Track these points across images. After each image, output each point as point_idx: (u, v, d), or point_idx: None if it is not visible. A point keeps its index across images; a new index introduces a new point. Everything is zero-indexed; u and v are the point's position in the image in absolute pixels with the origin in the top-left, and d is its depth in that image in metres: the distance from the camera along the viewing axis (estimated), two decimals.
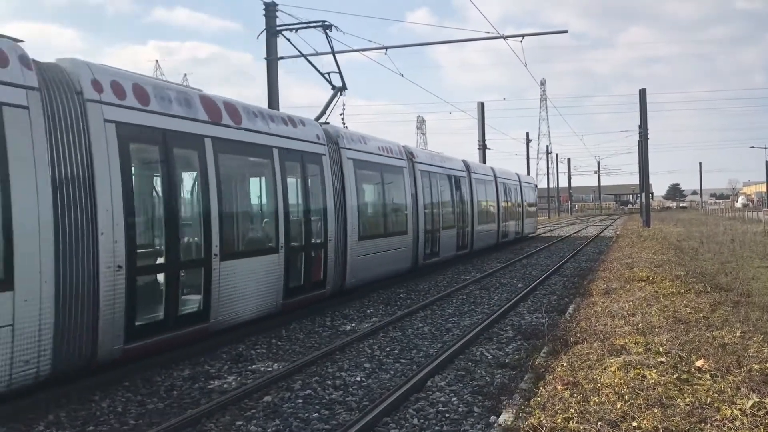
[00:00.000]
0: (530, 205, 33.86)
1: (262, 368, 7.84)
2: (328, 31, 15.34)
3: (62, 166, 6.54)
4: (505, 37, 19.91)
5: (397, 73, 21.52)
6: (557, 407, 5.49)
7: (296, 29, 15.72)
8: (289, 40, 15.80)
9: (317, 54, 18.43)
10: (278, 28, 15.88)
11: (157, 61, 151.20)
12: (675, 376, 6.10)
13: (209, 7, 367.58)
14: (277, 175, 10.17)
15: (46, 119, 6.42)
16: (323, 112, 14.88)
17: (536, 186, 38.97)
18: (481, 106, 40.72)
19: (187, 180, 8.72)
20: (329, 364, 7.90)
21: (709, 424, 4.98)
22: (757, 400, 5.32)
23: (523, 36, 20.08)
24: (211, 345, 8.71)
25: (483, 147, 39.34)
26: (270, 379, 7.15)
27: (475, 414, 6.09)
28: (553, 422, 5.14)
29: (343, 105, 15.35)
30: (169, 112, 8.05)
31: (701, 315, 9.08)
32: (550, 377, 6.52)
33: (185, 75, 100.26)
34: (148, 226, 8.18)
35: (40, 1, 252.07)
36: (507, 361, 8.01)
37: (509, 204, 28.33)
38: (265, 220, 10.54)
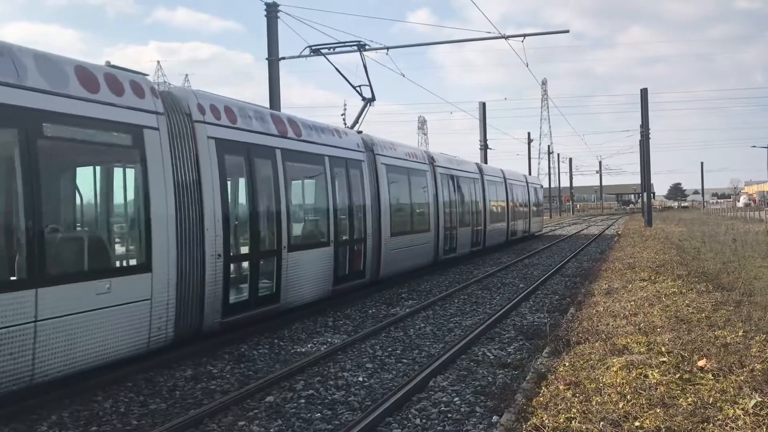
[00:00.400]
0: (536, 204, 35.15)
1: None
2: (362, 50, 16.55)
3: (180, 175, 8.07)
4: (506, 37, 19.89)
5: (398, 74, 21.64)
6: (559, 407, 5.50)
7: (333, 48, 16.89)
8: (327, 57, 16.91)
9: (318, 54, 18.53)
10: (316, 47, 16.90)
11: (158, 62, 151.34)
12: (677, 375, 6.10)
13: (210, 7, 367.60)
14: (328, 179, 11.85)
15: (169, 138, 7.97)
16: (356, 122, 16.26)
17: (542, 186, 39.86)
18: (483, 106, 40.71)
19: (264, 184, 10.00)
20: (331, 364, 7.91)
21: (711, 424, 4.98)
22: (760, 399, 5.32)
23: (524, 36, 20.07)
24: (213, 345, 8.74)
25: (484, 147, 39.34)
26: (272, 379, 7.16)
27: (477, 414, 6.09)
28: (556, 422, 5.14)
29: (344, 106, 16.13)
30: (251, 129, 9.66)
31: (703, 315, 9.07)
32: (552, 377, 6.52)
33: (186, 75, 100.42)
34: (237, 222, 9.59)
35: (42, 2, 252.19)
36: (509, 361, 8.01)
37: (517, 204, 29.66)
38: (320, 217, 12.03)
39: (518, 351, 8.52)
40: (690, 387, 5.82)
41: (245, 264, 9.60)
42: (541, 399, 5.83)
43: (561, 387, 6.07)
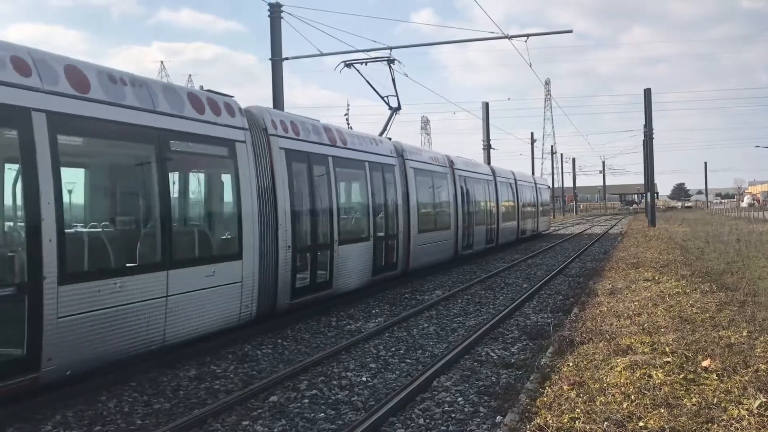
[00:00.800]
0: (544, 204, 36.56)
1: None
2: (391, 64, 17.51)
3: (260, 180, 9.61)
4: (509, 37, 19.83)
5: (401, 74, 21.77)
6: (563, 407, 5.49)
7: (366, 63, 17.77)
8: (359, 72, 17.56)
9: (322, 55, 18.67)
10: (349, 61, 17.61)
11: (162, 62, 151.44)
12: (681, 376, 6.09)
13: (214, 8, 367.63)
14: (368, 182, 13.43)
15: (253, 149, 9.49)
16: (384, 129, 17.33)
17: (548, 187, 41.19)
18: (486, 106, 40.65)
19: (320, 186, 11.51)
20: (335, 364, 7.91)
21: (715, 425, 4.97)
22: (765, 400, 5.30)
23: (527, 36, 20.00)
24: (215, 345, 8.75)
25: (488, 147, 39.28)
26: (276, 379, 7.17)
27: (481, 414, 6.09)
28: (560, 422, 5.14)
29: (347, 107, 16.52)
30: (310, 140, 11.24)
31: (707, 315, 9.05)
32: (556, 377, 6.51)
33: (190, 76, 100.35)
34: (301, 219, 10.91)
35: (45, 3, 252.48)
36: (513, 361, 8.00)
37: (527, 204, 31.06)
38: (361, 215, 13.50)
39: (522, 351, 8.51)
40: (694, 387, 5.81)
41: (307, 254, 11.06)
42: (545, 399, 5.82)
43: (565, 387, 6.06)
